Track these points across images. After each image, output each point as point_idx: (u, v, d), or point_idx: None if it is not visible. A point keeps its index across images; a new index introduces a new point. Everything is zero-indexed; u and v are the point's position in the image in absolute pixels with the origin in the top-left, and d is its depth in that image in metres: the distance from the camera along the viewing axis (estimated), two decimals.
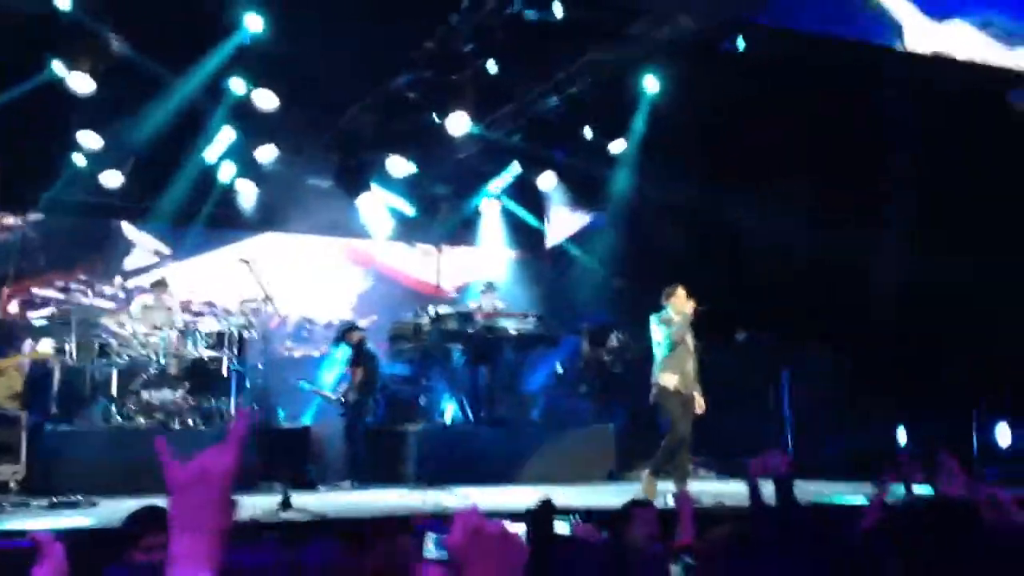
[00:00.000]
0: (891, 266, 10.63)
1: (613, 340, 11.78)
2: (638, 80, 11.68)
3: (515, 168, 13.65)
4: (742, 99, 10.84)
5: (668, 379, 8.39)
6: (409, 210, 13.63)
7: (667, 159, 12.24)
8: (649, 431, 9.41)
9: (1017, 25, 9.88)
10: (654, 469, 8.32)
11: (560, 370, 12.03)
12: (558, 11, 10.36)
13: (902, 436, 9.22)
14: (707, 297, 8.77)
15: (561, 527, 4.98)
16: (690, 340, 8.55)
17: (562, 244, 14.35)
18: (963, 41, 9.35)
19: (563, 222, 14.44)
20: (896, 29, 9.63)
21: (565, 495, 7.16)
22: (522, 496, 7.53)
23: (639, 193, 12.60)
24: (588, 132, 12.71)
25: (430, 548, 2.61)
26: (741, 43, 10.58)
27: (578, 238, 14.18)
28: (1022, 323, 9.53)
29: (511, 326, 11.06)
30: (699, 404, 8.51)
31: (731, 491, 8.33)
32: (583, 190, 13.78)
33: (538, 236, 14.65)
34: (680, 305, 8.58)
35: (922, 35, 9.24)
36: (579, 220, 14.17)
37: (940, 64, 9.63)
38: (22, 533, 5.61)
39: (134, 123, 11.14)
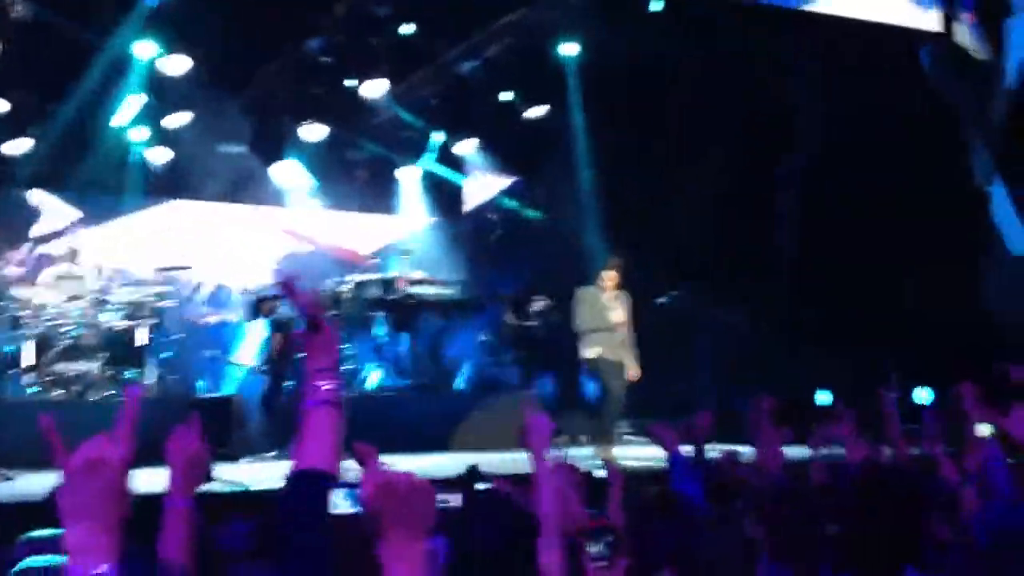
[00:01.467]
0: (796, 229, 10.91)
1: (538, 305, 11.82)
2: (557, 43, 11.71)
3: (436, 135, 13.57)
4: (660, 61, 10.94)
5: (591, 351, 8.52)
6: (325, 177, 13.47)
7: (591, 122, 12.31)
8: (576, 397, 9.53)
9: None
10: (602, 438, 8.45)
11: (484, 337, 12.04)
12: None
13: (824, 397, 9.46)
14: (629, 259, 8.88)
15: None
16: (616, 308, 8.60)
17: (491, 204, 14.27)
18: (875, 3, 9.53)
19: (481, 187, 14.42)
20: None
21: (492, 462, 7.21)
22: (450, 463, 7.56)
23: (562, 159, 12.64)
24: (508, 96, 12.71)
25: (341, 501, 2.58)
26: (659, 4, 10.67)
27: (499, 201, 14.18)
28: (927, 284, 9.86)
29: (433, 293, 11.04)
30: (632, 371, 8.60)
31: (655, 454, 8.47)
32: (502, 155, 13.77)
33: (457, 201, 14.60)
34: (605, 281, 8.67)
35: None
36: (497, 184, 14.17)
37: (850, 25, 9.82)
38: None
39: (40, 87, 10.84)
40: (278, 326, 10.26)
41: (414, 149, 13.88)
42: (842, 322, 10.36)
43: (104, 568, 1.83)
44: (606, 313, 8.54)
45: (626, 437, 10.15)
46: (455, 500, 4.75)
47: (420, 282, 11.13)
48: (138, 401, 2.08)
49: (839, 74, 10.36)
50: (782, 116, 11.06)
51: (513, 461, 8.12)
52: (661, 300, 11.18)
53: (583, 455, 8.22)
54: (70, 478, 1.89)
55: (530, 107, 12.70)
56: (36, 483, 6.26)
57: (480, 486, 5.05)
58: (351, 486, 2.53)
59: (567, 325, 9.23)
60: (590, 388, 9.14)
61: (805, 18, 9.48)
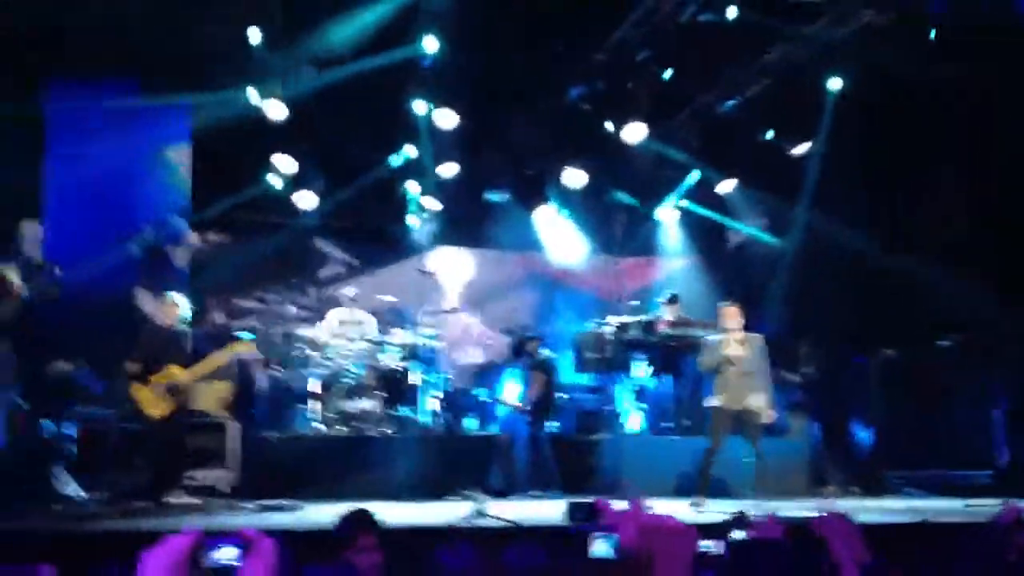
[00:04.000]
0: None
1: (801, 351, 11.35)
2: (819, 79, 11.42)
3: (694, 175, 13.53)
4: (929, 91, 10.43)
5: (712, 400, 8.36)
6: (586, 221, 13.71)
7: (852, 159, 11.90)
8: (844, 445, 9.12)
9: None
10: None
11: None
12: (732, 13, 10.26)
13: None
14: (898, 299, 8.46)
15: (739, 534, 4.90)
16: (741, 355, 8.28)
17: (751, 242, 13.97)
18: None
19: (742, 226, 14.20)
20: None
21: (758, 509, 7.03)
22: (714, 509, 7.46)
23: (824, 195, 12.24)
24: (769, 135, 12.48)
25: (599, 548, 2.56)
26: (932, 34, 10.16)
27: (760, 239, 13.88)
28: None
29: (694, 335, 10.92)
30: (766, 415, 8.30)
31: (937, 507, 7.98)
32: (762, 192, 13.49)
33: (719, 241, 14.44)
34: (724, 323, 8.50)
35: None
36: (758, 222, 13.88)
37: None
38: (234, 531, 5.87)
39: (324, 143, 11.73)
40: (538, 366, 10.48)
41: (673, 190, 13.88)
42: None
43: None
44: (737, 355, 8.29)
45: (908, 489, 9.57)
46: (719, 546, 4.70)
47: (681, 323, 11.05)
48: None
49: None
50: None
51: (776, 508, 7.93)
52: (944, 343, 10.51)
53: (855, 506, 7.88)
54: None
55: (791, 143, 12.38)
56: (322, 513, 6.72)
57: (738, 534, 4.94)
58: (609, 530, 2.55)
59: (837, 370, 8.90)
60: (862, 437, 8.72)
61: None
